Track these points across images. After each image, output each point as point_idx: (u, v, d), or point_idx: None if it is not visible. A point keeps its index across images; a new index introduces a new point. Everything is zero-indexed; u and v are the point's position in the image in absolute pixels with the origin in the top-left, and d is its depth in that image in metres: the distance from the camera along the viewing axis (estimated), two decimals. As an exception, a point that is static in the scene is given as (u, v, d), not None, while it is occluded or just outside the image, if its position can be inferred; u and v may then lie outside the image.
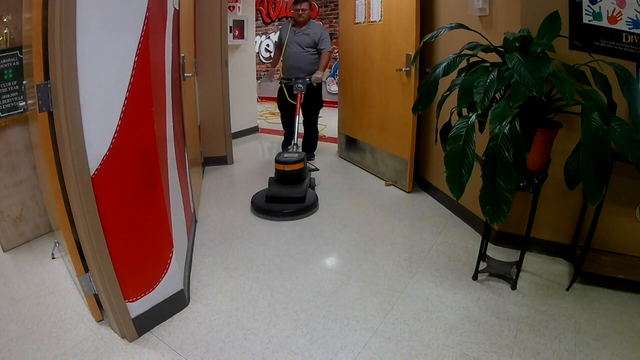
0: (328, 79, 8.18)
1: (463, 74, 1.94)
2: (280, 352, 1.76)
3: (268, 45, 9.08)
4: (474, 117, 1.69)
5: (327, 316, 1.98)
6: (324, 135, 5.66)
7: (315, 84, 4.09)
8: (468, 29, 1.94)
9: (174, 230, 1.95)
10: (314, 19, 4.31)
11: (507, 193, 1.63)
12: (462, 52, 1.93)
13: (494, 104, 1.75)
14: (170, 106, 2.08)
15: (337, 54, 7.52)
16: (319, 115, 4.56)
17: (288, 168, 3.21)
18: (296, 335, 1.86)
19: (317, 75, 4.09)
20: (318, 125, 4.70)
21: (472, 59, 1.98)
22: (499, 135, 1.63)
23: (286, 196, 3.11)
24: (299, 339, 1.83)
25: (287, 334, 1.87)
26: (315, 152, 4.70)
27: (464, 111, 1.86)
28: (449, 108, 2.04)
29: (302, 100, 3.91)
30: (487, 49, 1.89)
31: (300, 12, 4.11)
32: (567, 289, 2.10)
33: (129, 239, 1.75)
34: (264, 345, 1.80)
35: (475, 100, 1.68)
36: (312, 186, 3.47)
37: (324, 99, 4.52)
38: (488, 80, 1.70)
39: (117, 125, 1.59)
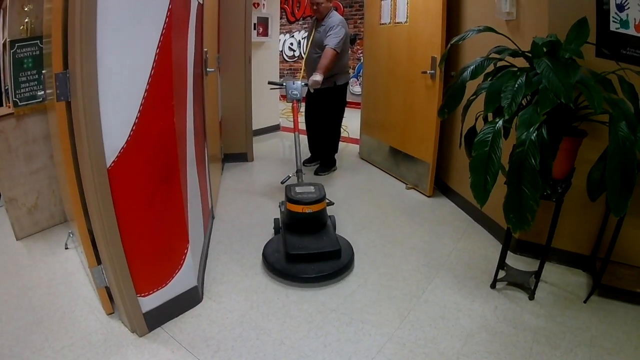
0: (351, 79, 8.02)
1: (490, 78, 1.86)
2: (292, 354, 1.69)
3: (292, 44, 8.98)
4: (500, 122, 1.61)
5: (342, 319, 1.91)
6: (343, 136, 5.42)
7: (312, 90, 3.27)
8: (496, 32, 1.86)
9: (190, 226, 1.89)
10: (337, 12, 3.64)
11: (532, 201, 1.55)
12: (490, 56, 1.84)
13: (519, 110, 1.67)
14: (192, 100, 2.02)
15: (361, 54, 7.44)
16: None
17: (308, 209, 2.31)
18: (310, 337, 1.79)
19: (315, 78, 3.22)
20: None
21: (499, 63, 1.90)
22: (526, 142, 1.55)
23: (316, 252, 2.22)
24: (312, 342, 1.76)
25: (301, 335, 1.80)
26: (335, 157, 4.16)
27: (490, 116, 1.78)
28: (474, 113, 1.96)
29: (299, 110, 3.03)
30: (515, 54, 1.81)
31: (315, 7, 3.52)
32: (585, 301, 2.02)
33: (143, 232, 1.69)
34: (276, 347, 1.73)
35: (502, 105, 1.60)
36: (333, 226, 2.57)
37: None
38: (516, 85, 1.62)
39: (136, 117, 1.53)
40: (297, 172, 2.77)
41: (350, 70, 7.80)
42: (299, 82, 2.99)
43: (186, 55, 1.91)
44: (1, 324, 1.82)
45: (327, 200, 2.48)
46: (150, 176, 1.64)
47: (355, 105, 7.41)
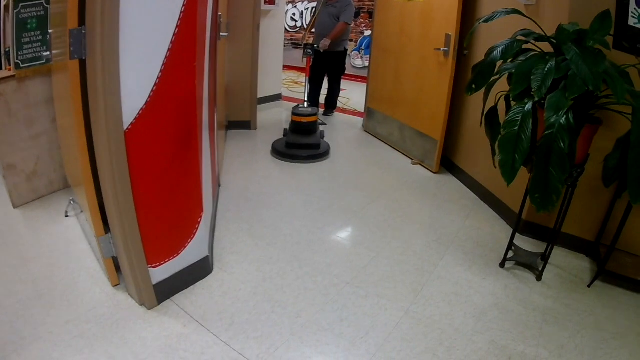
0: (353, 52, 7.81)
1: (510, 60, 1.81)
2: (309, 327, 1.62)
3: (294, 14, 8.77)
4: (530, 104, 1.56)
5: (357, 293, 1.85)
6: (346, 108, 5.48)
7: (322, 50, 4.34)
8: (524, 15, 1.79)
9: (204, 194, 1.78)
10: None
11: (558, 183, 1.52)
12: (517, 38, 1.78)
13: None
14: (207, 65, 1.89)
15: (364, 28, 7.45)
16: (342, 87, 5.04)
17: (304, 120, 3.57)
18: (326, 310, 1.72)
19: (324, 42, 4.33)
20: (343, 98, 5.27)
21: (523, 47, 1.84)
22: (555, 125, 1.51)
23: (305, 143, 3.54)
24: (329, 315, 1.70)
25: (317, 309, 1.73)
26: (336, 121, 4.89)
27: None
28: (494, 93, 1.90)
29: (310, 63, 4.17)
30: (541, 38, 1.76)
31: None
32: (589, 286, 2.01)
33: (158, 200, 1.58)
34: (292, 320, 1.66)
35: (532, 87, 1.55)
36: (322, 137, 3.84)
37: (347, 72, 4.97)
38: (546, 69, 1.57)
39: (157, 77, 1.41)
40: (304, 102, 3.92)
41: (353, 44, 7.71)
42: (315, 45, 4.17)
43: (206, 17, 1.78)
44: (0, 298, 1.67)
45: (319, 120, 3.93)
46: (169, 140, 1.52)
47: (356, 78, 7.39)
